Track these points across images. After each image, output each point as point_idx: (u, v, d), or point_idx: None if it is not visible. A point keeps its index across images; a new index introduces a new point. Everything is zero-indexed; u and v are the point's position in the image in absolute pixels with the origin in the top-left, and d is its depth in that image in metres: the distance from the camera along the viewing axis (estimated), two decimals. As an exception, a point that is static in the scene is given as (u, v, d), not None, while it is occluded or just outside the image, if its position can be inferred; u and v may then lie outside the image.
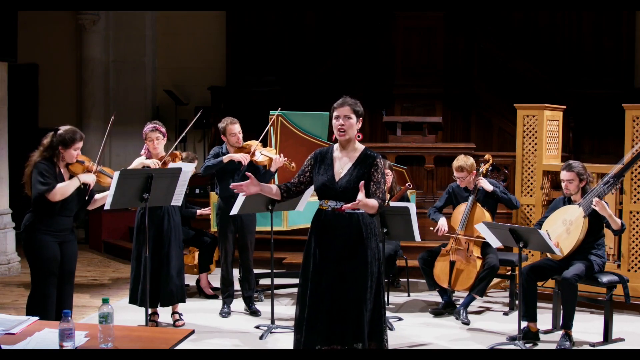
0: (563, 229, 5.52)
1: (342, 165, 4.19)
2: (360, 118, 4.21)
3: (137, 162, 5.85)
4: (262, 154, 6.17)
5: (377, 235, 4.18)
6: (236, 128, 6.17)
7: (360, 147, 4.24)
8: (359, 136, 4.23)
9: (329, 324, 4.08)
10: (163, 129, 5.86)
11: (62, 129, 4.89)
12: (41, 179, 4.76)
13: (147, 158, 5.87)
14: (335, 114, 4.19)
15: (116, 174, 5.02)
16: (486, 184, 6.19)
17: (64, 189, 4.79)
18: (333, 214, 4.13)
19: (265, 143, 7.09)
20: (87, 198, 4.99)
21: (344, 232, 4.10)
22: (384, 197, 4.16)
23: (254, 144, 6.21)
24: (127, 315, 5.94)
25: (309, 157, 4.31)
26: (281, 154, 6.23)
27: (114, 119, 5.37)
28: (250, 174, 4.21)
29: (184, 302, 5.95)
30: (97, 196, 5.12)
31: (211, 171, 6.21)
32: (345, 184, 4.11)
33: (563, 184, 5.60)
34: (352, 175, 4.12)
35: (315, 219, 4.21)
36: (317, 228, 4.19)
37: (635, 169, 6.36)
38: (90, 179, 4.92)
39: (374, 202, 4.05)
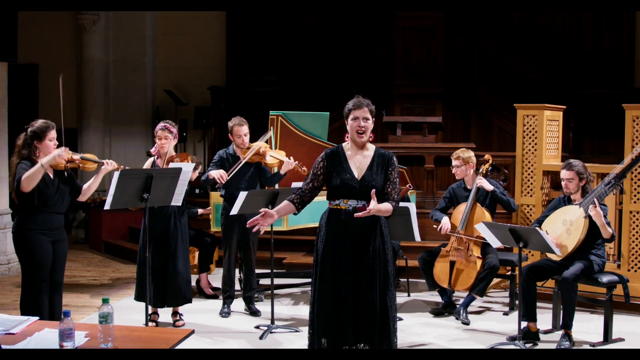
0: (563, 230, 5.51)
1: (359, 164, 4.18)
2: (374, 118, 4.23)
3: (148, 164, 5.92)
4: (272, 156, 6.16)
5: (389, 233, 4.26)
6: (243, 130, 6.16)
7: (371, 146, 4.26)
8: (371, 136, 4.24)
9: (357, 325, 4.10)
10: (174, 130, 5.89)
11: (33, 124, 4.88)
12: (20, 175, 4.76)
13: (157, 157, 5.90)
14: (352, 115, 4.17)
15: (116, 174, 5.03)
16: (486, 184, 6.20)
17: (29, 177, 4.70)
18: (355, 213, 4.12)
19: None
20: (66, 174, 4.94)
21: (366, 231, 4.11)
22: (398, 198, 4.23)
23: (262, 145, 6.20)
24: (127, 315, 5.95)
25: (319, 160, 4.24)
26: (291, 157, 6.22)
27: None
28: (265, 209, 4.17)
29: (190, 301, 5.95)
30: (84, 186, 5.12)
31: (207, 185, 6.24)
32: (369, 183, 4.12)
33: (563, 183, 5.61)
34: (375, 174, 4.15)
35: (333, 220, 4.17)
36: (335, 228, 4.15)
37: (636, 169, 6.36)
38: (54, 160, 4.76)
39: (387, 207, 4.12)
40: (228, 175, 6.01)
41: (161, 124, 5.89)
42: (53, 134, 4.88)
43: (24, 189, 4.73)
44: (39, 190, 4.81)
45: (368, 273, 4.10)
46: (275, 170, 6.26)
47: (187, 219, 6.01)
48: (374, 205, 4.02)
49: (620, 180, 5.53)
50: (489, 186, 6.19)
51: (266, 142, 6.36)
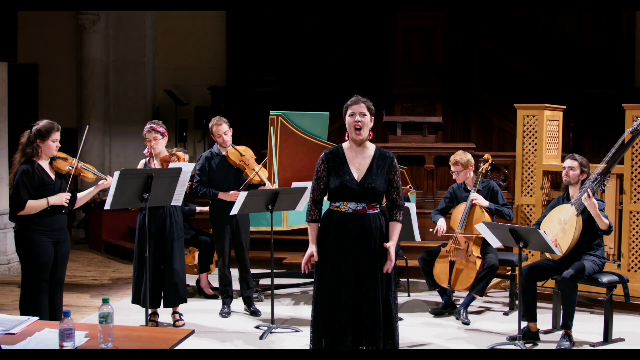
0: (559, 229, 5.52)
1: (358, 165, 4.15)
2: (373, 116, 4.19)
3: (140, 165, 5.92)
4: (258, 174, 6.19)
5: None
6: (222, 129, 6.14)
7: (372, 145, 4.23)
8: (370, 134, 4.21)
9: (357, 327, 4.09)
10: (161, 129, 5.86)
11: (38, 123, 4.91)
12: (20, 191, 4.79)
13: (148, 158, 5.89)
14: (350, 111, 4.14)
15: (116, 174, 5.04)
16: (482, 201, 6.17)
17: (32, 207, 4.81)
18: (355, 216, 4.10)
19: (265, 143, 7.10)
20: (67, 205, 5.00)
21: (367, 232, 4.09)
22: (403, 202, 4.23)
23: (254, 164, 6.21)
24: (127, 315, 5.94)
25: (320, 162, 4.20)
26: (275, 185, 6.36)
27: (88, 129, 5.50)
28: (311, 250, 4.24)
29: (186, 301, 5.96)
30: (79, 195, 5.14)
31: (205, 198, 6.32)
32: (369, 185, 4.09)
33: (564, 171, 5.60)
34: (375, 175, 4.12)
35: (333, 222, 4.14)
36: (335, 230, 4.12)
37: (636, 169, 6.36)
38: (60, 200, 4.90)
39: (396, 233, 4.18)
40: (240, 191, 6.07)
41: (147, 126, 5.86)
42: (57, 135, 4.91)
43: (20, 212, 4.82)
44: (41, 191, 4.83)
45: (370, 275, 4.09)
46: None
47: (182, 217, 5.99)
48: (392, 258, 4.10)
49: (606, 176, 5.50)
50: (484, 203, 6.18)
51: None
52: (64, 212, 4.97)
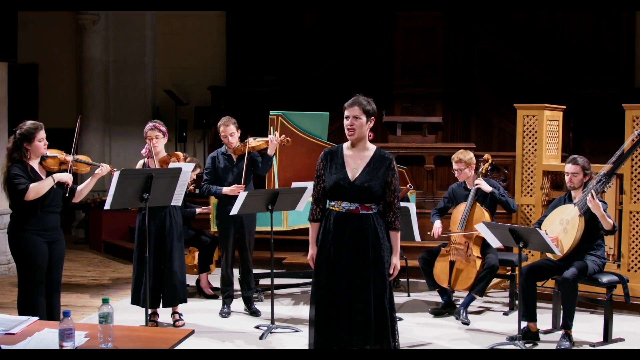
0: (560, 229, 5.52)
1: (356, 165, 4.14)
2: (372, 117, 4.16)
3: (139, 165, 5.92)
4: (256, 140, 6.16)
5: (386, 234, 4.23)
6: (228, 130, 6.12)
7: (372, 146, 4.22)
8: (369, 135, 4.20)
9: (350, 324, 4.09)
10: (163, 128, 5.88)
11: (21, 126, 4.86)
12: (15, 180, 4.75)
13: (147, 158, 5.90)
14: (345, 113, 4.15)
15: (116, 174, 5.04)
16: (484, 185, 6.18)
17: (38, 188, 4.76)
18: (348, 215, 4.09)
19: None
20: (67, 195, 4.97)
21: (360, 233, 4.09)
22: (399, 204, 4.22)
23: (249, 140, 6.22)
24: (127, 315, 5.94)
25: (319, 160, 4.21)
26: (276, 133, 6.26)
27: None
28: (311, 252, 4.22)
29: (186, 302, 5.96)
30: (79, 187, 5.12)
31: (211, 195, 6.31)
32: (362, 184, 4.08)
33: (567, 177, 5.60)
34: (370, 175, 4.10)
35: (329, 221, 4.13)
36: (330, 229, 4.12)
37: (636, 169, 6.36)
38: (66, 177, 4.89)
39: (397, 241, 4.25)
40: (243, 183, 6.04)
41: (150, 124, 5.87)
42: (42, 134, 4.85)
43: (28, 198, 4.75)
44: None
45: (362, 276, 4.08)
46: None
47: (181, 218, 6.00)
48: (396, 271, 4.21)
49: (610, 177, 5.51)
50: (487, 187, 6.19)
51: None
52: (59, 211, 4.95)
